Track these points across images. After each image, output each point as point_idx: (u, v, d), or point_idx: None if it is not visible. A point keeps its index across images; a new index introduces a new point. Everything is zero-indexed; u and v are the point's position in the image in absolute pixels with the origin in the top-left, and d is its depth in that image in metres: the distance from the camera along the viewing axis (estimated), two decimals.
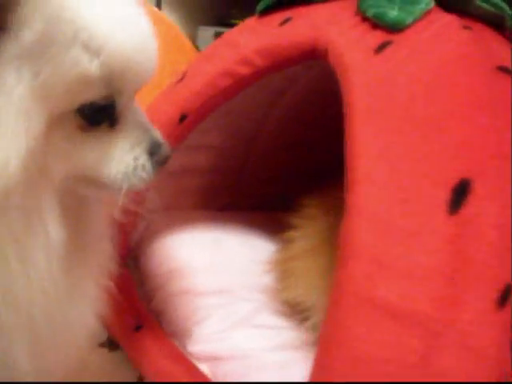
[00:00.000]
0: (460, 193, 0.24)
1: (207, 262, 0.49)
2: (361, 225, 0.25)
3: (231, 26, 1.10)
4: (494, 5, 0.32)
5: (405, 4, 0.32)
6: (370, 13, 0.32)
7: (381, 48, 0.30)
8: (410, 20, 0.31)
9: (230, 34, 0.43)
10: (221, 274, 0.47)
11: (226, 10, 1.16)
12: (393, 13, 0.31)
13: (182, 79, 0.43)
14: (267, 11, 0.41)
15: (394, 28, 0.31)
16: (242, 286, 0.47)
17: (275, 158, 0.62)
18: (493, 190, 0.24)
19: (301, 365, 0.36)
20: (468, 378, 0.22)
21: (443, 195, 0.24)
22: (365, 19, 0.33)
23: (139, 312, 0.39)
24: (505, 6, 0.32)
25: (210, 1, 1.18)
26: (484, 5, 0.32)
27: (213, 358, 0.37)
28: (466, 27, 0.31)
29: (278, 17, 0.39)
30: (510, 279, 0.23)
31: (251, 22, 0.42)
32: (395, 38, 0.30)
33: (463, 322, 0.22)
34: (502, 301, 0.22)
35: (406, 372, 0.22)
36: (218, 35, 1.09)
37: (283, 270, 0.46)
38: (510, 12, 0.32)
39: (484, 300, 0.22)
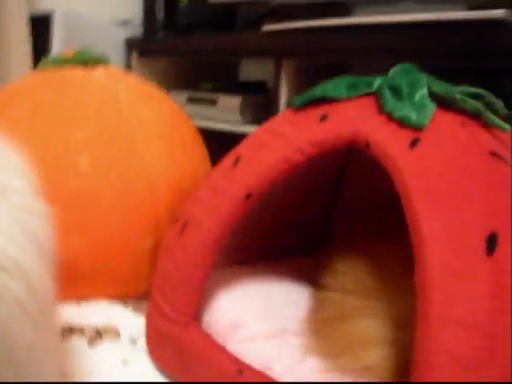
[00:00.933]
0: (492, 242, 0.37)
1: (261, 310, 0.59)
2: (432, 271, 0.37)
3: (202, 90, 1.23)
4: (473, 106, 0.47)
5: (417, 108, 0.46)
6: (397, 115, 0.46)
7: (413, 144, 0.43)
8: (427, 121, 0.45)
9: (272, 125, 0.55)
10: (275, 319, 0.57)
11: (196, 74, 1.28)
12: (414, 115, 0.45)
13: (236, 163, 0.54)
14: (302, 107, 0.54)
15: (418, 128, 0.44)
16: (293, 326, 0.57)
17: (280, 216, 0.74)
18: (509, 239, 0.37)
19: None
20: None
21: (482, 244, 0.37)
22: (391, 118, 0.47)
23: (235, 357, 0.48)
24: (479, 105, 0.47)
25: (179, 65, 1.29)
26: (466, 105, 0.47)
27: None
28: (462, 124, 0.45)
29: (315, 113, 0.52)
30: None
31: (290, 115, 0.55)
32: (420, 135, 0.44)
33: (508, 324, 0.35)
34: None
35: (480, 362, 0.35)
36: (191, 100, 1.20)
37: (313, 329, 0.56)
38: (484, 108, 0.47)
39: None
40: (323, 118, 0.51)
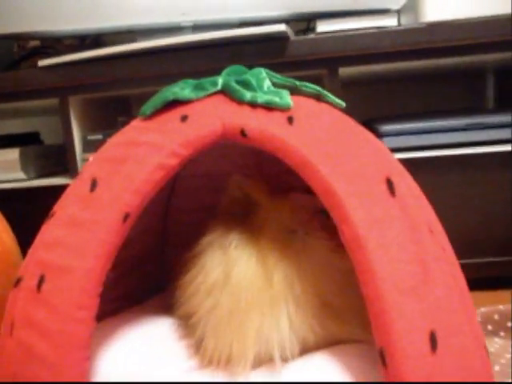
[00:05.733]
0: (390, 185, 0.41)
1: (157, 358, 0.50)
2: (359, 224, 0.39)
3: None
4: (312, 88, 0.52)
5: (274, 94, 0.48)
6: (261, 101, 0.47)
7: (290, 121, 0.45)
8: (291, 101, 0.47)
9: (124, 137, 0.48)
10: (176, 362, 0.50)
11: None
12: (277, 98, 0.47)
13: (93, 188, 0.45)
14: (152, 114, 0.49)
15: (286, 108, 0.46)
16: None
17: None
18: (401, 179, 0.42)
19: None
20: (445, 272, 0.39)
21: (385, 188, 0.41)
22: (254, 106, 0.47)
23: None
24: (319, 88, 0.53)
25: None
26: (307, 89, 0.52)
27: None
28: (317, 101, 0.50)
29: (172, 116, 0.48)
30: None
31: (142, 124, 0.49)
32: (291, 113, 0.46)
33: (427, 249, 0.40)
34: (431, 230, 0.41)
35: (419, 287, 0.38)
36: None
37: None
38: (323, 91, 0.53)
39: (424, 227, 0.41)
40: (184, 118, 0.48)
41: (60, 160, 1.00)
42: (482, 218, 0.81)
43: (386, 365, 0.36)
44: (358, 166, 0.42)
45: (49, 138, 1.18)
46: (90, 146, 0.86)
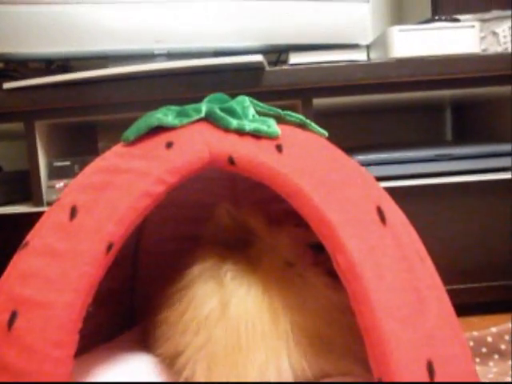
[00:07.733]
0: (381, 214, 0.41)
1: None
2: (353, 252, 0.38)
3: None
4: (296, 117, 0.53)
5: (261, 122, 0.48)
6: (249, 129, 0.46)
7: (279, 149, 0.45)
8: (278, 130, 0.47)
9: (106, 164, 0.46)
10: None
11: None
12: (264, 127, 0.47)
13: (73, 216, 0.43)
14: (135, 140, 0.48)
15: (274, 136, 0.46)
16: None
17: None
18: (390, 208, 0.43)
19: None
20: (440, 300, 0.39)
21: (376, 216, 0.41)
22: (241, 134, 0.47)
23: None
24: (302, 117, 0.53)
25: None
26: (291, 118, 0.53)
27: None
28: (303, 130, 0.50)
29: (156, 141, 0.47)
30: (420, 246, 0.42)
31: (125, 150, 0.47)
32: (279, 141, 0.46)
33: (420, 278, 0.40)
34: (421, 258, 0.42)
35: (415, 315, 0.38)
36: None
37: None
38: (306, 120, 0.53)
39: (415, 255, 0.41)
40: (169, 145, 0.46)
41: (20, 187, 0.95)
42: (457, 244, 0.84)
43: None
44: (349, 195, 0.42)
45: (6, 164, 1.12)
46: (57, 173, 0.83)
